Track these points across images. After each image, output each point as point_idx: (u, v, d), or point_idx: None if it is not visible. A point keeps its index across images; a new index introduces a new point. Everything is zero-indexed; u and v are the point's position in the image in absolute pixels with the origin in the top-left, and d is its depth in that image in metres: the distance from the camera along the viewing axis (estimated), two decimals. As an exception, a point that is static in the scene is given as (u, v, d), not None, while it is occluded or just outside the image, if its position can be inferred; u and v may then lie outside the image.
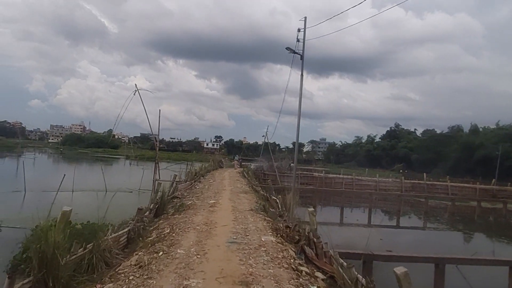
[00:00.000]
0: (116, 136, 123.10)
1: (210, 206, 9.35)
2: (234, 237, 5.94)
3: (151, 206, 8.58)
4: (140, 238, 6.34)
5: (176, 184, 14.28)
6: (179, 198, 12.88)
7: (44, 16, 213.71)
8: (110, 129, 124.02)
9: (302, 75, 8.08)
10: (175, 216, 7.98)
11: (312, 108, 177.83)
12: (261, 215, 8.59)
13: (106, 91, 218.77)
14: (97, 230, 11.47)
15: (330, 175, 39.18)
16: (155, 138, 17.13)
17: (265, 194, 13.76)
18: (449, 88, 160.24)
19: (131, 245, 6.15)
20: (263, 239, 6.06)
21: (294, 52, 8.15)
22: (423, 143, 72.32)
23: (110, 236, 5.25)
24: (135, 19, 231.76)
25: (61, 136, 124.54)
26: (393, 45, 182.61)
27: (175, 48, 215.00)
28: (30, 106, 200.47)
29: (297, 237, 7.04)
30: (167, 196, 11.37)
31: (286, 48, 8.14)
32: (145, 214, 8.01)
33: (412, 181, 38.28)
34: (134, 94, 17.27)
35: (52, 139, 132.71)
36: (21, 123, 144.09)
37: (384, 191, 34.68)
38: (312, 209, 6.66)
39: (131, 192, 23.35)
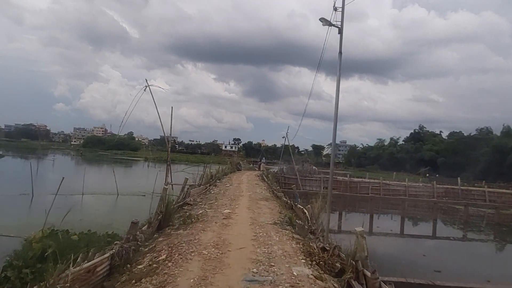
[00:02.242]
0: (137, 139, 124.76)
1: (224, 218, 7.61)
2: (255, 270, 4.16)
3: (152, 219, 6.95)
4: (128, 265, 4.68)
5: (188, 188, 12.68)
6: (191, 205, 11.27)
7: (69, 23, 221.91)
8: (131, 131, 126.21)
9: (340, 52, 6.23)
10: (179, 231, 6.30)
11: (331, 110, 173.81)
12: (287, 231, 6.76)
13: (127, 94, 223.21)
14: (96, 241, 9.83)
15: (355, 179, 36.81)
16: (167, 138, 15.74)
17: (288, 201, 11.91)
18: (475, 90, 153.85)
19: (115, 275, 4.50)
20: (295, 273, 4.24)
21: (331, 24, 6.33)
22: (450, 146, 68.42)
23: (74, 270, 3.58)
24: (156, 24, 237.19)
25: (83, 139, 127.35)
26: (415, 46, 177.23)
27: (194, 51, 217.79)
28: (55, 109, 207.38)
29: (338, 264, 5.19)
30: (174, 204, 9.78)
31: (320, 19, 6.37)
32: (142, 228, 6.40)
33: (444, 186, 35.43)
34: (145, 90, 16.05)
35: (74, 141, 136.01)
36: (45, 125, 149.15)
37: (415, 197, 31.98)
38: (361, 228, 4.78)
39: (144, 195, 22.09)
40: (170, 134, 15.55)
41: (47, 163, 48.65)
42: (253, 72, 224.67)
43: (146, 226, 6.47)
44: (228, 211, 8.60)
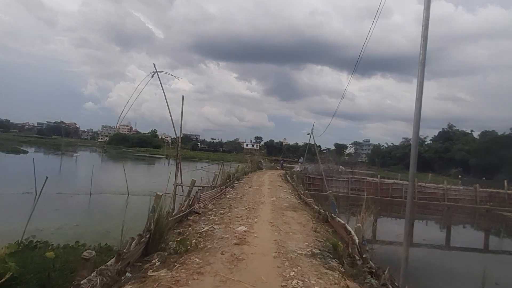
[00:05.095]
0: (160, 137, 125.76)
1: (236, 242, 5.19)
2: None
3: (127, 245, 4.65)
4: None
5: (198, 192, 10.38)
6: (199, 214, 8.97)
7: (98, 24, 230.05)
8: (155, 129, 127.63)
9: (426, 15, 3.58)
10: (160, 272, 3.92)
11: (353, 109, 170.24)
12: (334, 273, 4.23)
13: (152, 93, 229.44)
14: (75, 261, 7.57)
15: (387, 180, 33.49)
16: (175, 132, 13.59)
17: (321, 210, 9.30)
18: (505, 88, 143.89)
19: None
20: None
21: None
22: (483, 146, 63.15)
23: None
24: (180, 24, 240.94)
25: (109, 136, 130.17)
26: (442, 43, 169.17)
27: (217, 51, 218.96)
28: (84, 108, 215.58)
29: None
30: (175, 214, 7.49)
31: None
32: (108, 263, 4.11)
33: (488, 189, 31.53)
34: (153, 76, 13.92)
35: (101, 138, 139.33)
36: (75, 123, 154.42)
37: (455, 202, 28.41)
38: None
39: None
40: (181, 127, 13.37)
41: (70, 159, 48.46)
42: (274, 70, 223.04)
43: (113, 260, 4.16)
44: (244, 228, 6.17)
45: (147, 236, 5.46)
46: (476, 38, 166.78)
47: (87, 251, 3.84)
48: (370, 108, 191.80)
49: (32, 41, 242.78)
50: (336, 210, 8.83)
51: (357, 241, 5.59)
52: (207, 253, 4.56)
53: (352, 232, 6.39)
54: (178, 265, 4.07)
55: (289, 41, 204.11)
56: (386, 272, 4.20)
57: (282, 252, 4.85)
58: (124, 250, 4.44)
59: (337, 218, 8.07)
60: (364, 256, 5.00)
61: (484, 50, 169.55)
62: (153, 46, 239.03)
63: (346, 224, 7.17)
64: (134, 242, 4.88)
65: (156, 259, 5.15)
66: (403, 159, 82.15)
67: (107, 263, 4.08)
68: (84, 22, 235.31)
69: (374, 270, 4.42)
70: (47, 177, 9.57)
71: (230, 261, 4.26)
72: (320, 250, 5.15)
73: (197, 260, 4.24)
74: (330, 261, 4.69)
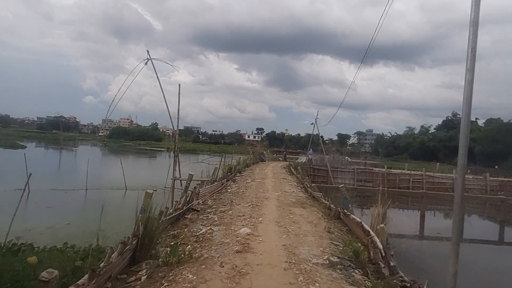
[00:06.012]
0: (161, 129, 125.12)
1: (238, 250, 4.35)
2: None
3: (108, 258, 3.83)
4: None
5: (196, 187, 9.57)
6: (198, 211, 8.16)
7: (95, 17, 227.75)
8: (155, 122, 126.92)
9: None
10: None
11: (355, 98, 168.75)
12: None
13: (152, 86, 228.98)
14: (59, 266, 6.83)
15: (394, 171, 32.69)
16: (172, 124, 12.71)
17: (333, 206, 8.45)
18: (509, 74, 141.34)
19: None
20: None
21: None
22: (488, 134, 62.33)
23: None
24: (178, 15, 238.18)
25: (109, 130, 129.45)
26: (445, 29, 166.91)
27: (217, 42, 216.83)
28: (84, 102, 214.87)
29: None
30: (167, 214, 6.65)
31: None
32: (79, 281, 3.30)
33: (498, 178, 30.76)
34: (146, 63, 13.07)
35: (102, 132, 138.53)
36: (75, 117, 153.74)
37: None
38: None
39: (155, 190, 19.38)
40: (178, 117, 12.50)
41: (70, 154, 47.79)
42: (275, 61, 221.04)
43: (86, 276, 3.34)
44: (247, 230, 5.33)
45: (134, 242, 4.65)
46: (479, 24, 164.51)
47: (47, 270, 3.01)
48: (372, 97, 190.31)
49: (30, 35, 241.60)
50: (350, 206, 7.98)
51: (380, 245, 4.73)
52: (203, 266, 3.72)
53: (372, 233, 5.55)
54: (165, 284, 3.24)
55: (289, 31, 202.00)
56: (425, 287, 3.36)
57: (293, 261, 4.01)
58: (101, 265, 3.63)
59: (352, 215, 7.23)
60: (392, 264, 4.15)
61: (488, 36, 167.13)
62: (152, 38, 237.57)
63: (363, 223, 6.34)
64: (116, 252, 4.06)
65: (144, 270, 4.35)
66: (407, 148, 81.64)
67: (78, 282, 3.27)
68: (81, 15, 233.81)
69: (408, 285, 3.58)
70: (30, 174, 8.73)
71: (230, 277, 3.42)
72: (339, 257, 4.31)
73: (190, 276, 3.40)
74: (353, 273, 3.85)
